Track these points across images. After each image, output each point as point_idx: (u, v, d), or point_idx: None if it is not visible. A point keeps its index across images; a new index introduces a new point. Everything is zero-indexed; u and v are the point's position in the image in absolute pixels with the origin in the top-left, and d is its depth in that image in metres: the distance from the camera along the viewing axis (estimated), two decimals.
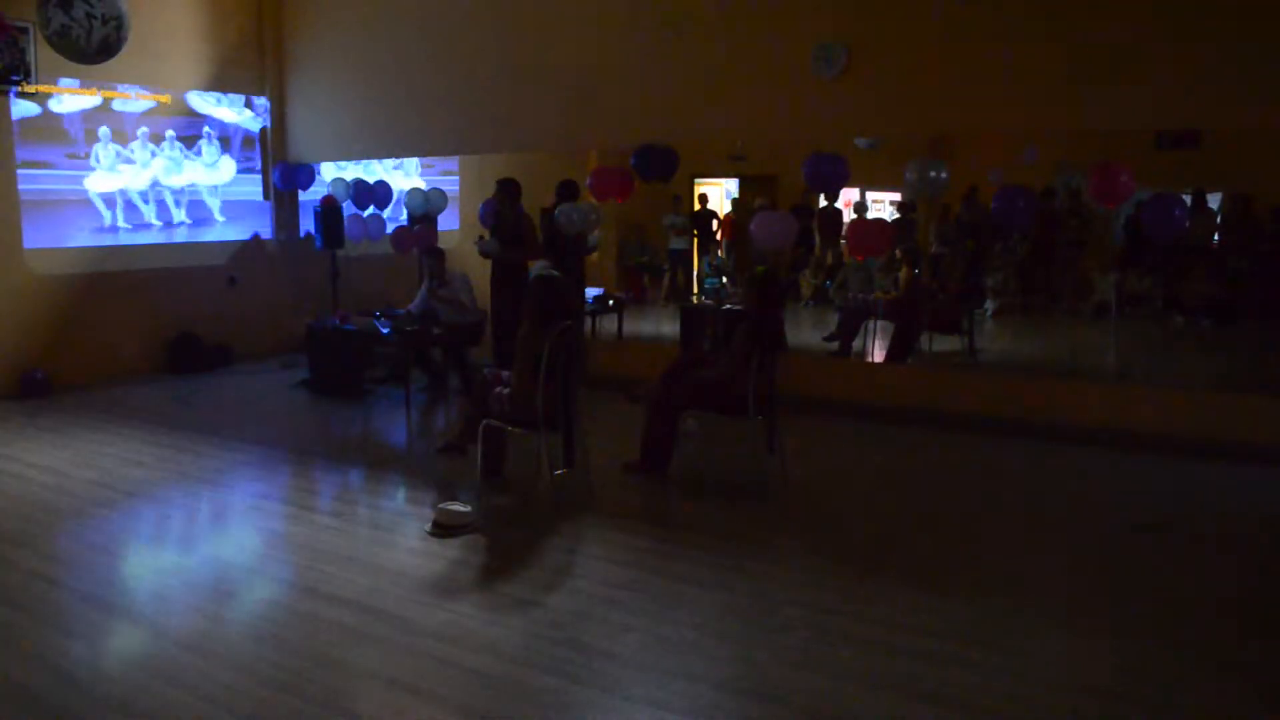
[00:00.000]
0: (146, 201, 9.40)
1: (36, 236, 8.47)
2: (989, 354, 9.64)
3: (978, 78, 6.71)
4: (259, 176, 10.49)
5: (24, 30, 7.99)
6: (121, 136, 9.14)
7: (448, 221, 11.53)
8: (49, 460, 6.33)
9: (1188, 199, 10.07)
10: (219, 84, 9.88)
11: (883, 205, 13.53)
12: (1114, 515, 5.34)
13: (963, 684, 3.40)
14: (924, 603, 4.10)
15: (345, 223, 9.92)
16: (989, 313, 11.81)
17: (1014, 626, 3.87)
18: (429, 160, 11.88)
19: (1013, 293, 12.13)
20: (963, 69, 6.75)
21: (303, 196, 10.71)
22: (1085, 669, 3.53)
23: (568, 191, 8.81)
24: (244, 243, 10.29)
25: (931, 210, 12.35)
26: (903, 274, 9.58)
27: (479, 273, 8.62)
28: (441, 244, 9.44)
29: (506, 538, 4.95)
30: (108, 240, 9.09)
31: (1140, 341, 10.50)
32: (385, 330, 7.80)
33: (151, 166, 9.40)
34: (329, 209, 9.74)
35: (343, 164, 10.93)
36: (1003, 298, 11.97)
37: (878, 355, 9.14)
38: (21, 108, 8.30)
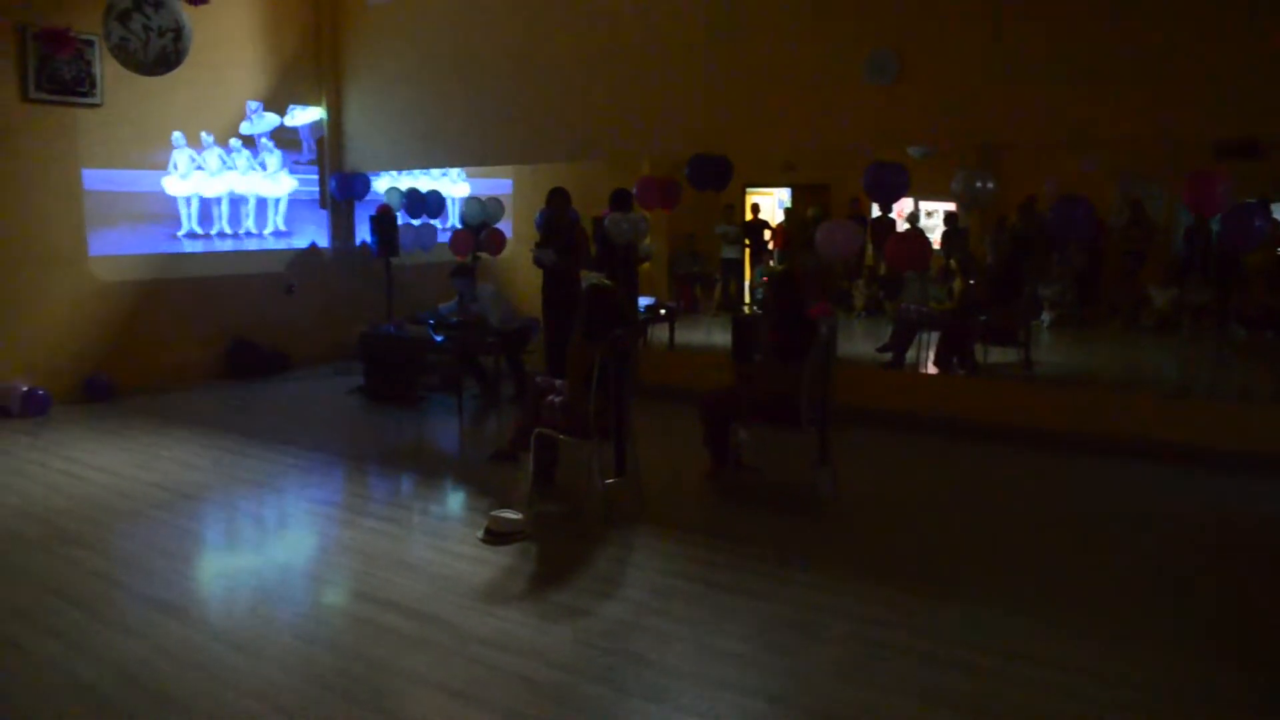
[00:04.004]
0: (218, 208, 9.70)
1: (107, 242, 8.69)
2: (1045, 366, 9.48)
3: (1033, 84, 6.60)
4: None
5: (89, 43, 8.22)
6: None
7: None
8: (110, 462, 6.47)
9: None
10: (277, 94, 10.06)
11: (936, 215, 13.36)
12: (1171, 531, 5.22)
13: (1013, 699, 3.34)
14: (975, 617, 4.03)
15: (400, 231, 10.04)
16: (1046, 324, 11.63)
17: (1066, 641, 3.79)
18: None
19: (1070, 304, 11.94)
20: (1017, 76, 6.65)
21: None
22: (1139, 686, 3.44)
23: (621, 201, 8.83)
24: (301, 251, 10.47)
25: (987, 221, 12.19)
26: (956, 285, 9.47)
27: (532, 281, 8.66)
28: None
29: (557, 546, 4.96)
30: (185, 245, 9.45)
31: (1200, 354, 10.27)
32: (439, 338, 7.87)
33: (224, 174, 9.64)
34: (384, 217, 9.86)
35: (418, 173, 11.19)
36: (1059, 309, 11.79)
37: (931, 368, 9.03)
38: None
